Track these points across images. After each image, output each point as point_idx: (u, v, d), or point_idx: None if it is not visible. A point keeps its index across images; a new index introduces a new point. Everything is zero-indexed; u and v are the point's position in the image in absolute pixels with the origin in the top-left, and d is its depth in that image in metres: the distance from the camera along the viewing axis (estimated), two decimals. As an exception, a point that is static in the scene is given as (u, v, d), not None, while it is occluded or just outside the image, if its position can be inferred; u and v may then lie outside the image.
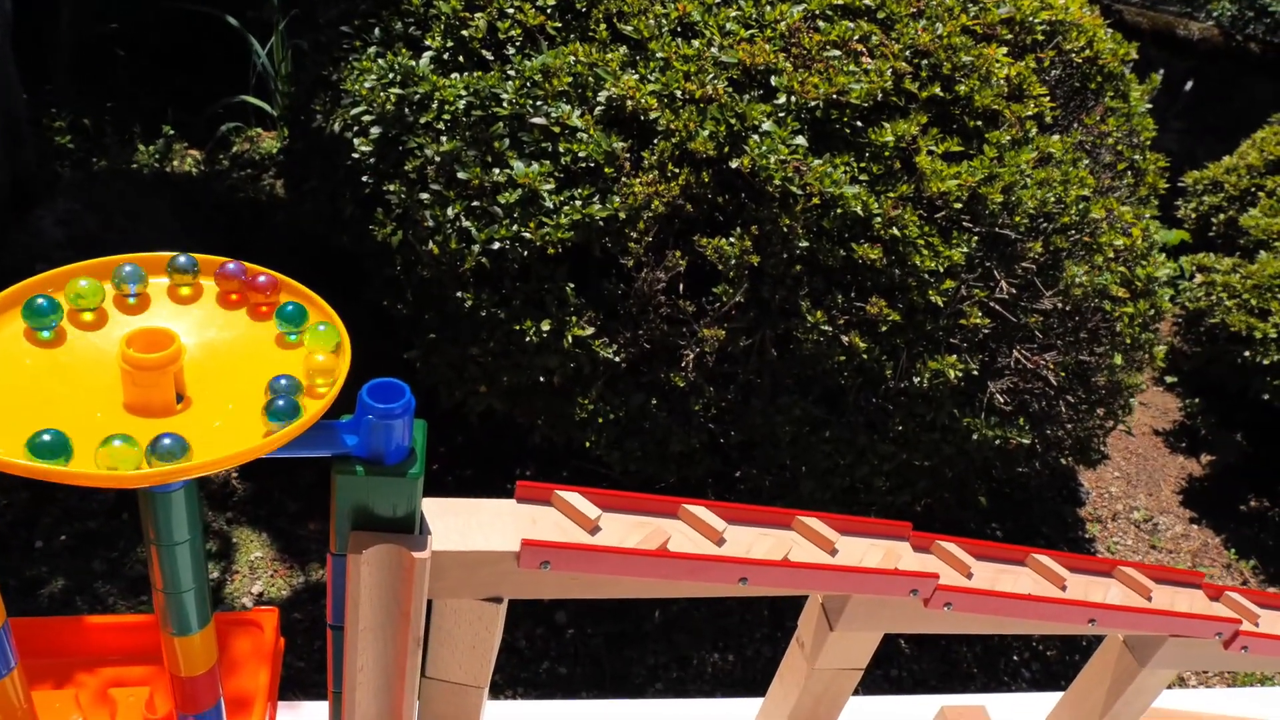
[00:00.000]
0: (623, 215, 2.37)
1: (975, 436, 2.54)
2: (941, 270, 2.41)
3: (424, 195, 2.47)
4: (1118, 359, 2.76)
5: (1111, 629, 1.59)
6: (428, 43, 2.64)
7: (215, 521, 3.09)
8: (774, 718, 1.68)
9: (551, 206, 2.38)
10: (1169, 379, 5.14)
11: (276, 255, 3.89)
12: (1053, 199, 2.56)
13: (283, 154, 4.41)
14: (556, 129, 2.42)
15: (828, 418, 2.55)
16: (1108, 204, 2.74)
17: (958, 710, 1.78)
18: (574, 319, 2.43)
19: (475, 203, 2.43)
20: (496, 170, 2.42)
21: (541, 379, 2.55)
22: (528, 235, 2.37)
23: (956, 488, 3.07)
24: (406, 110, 2.55)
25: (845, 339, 2.39)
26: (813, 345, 2.39)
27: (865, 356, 2.40)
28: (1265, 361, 3.98)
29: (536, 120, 2.43)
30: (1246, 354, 4.05)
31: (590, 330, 2.43)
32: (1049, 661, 3.51)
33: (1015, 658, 3.49)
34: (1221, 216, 4.68)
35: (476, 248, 2.40)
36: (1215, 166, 4.90)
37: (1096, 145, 2.91)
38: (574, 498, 1.25)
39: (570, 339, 2.41)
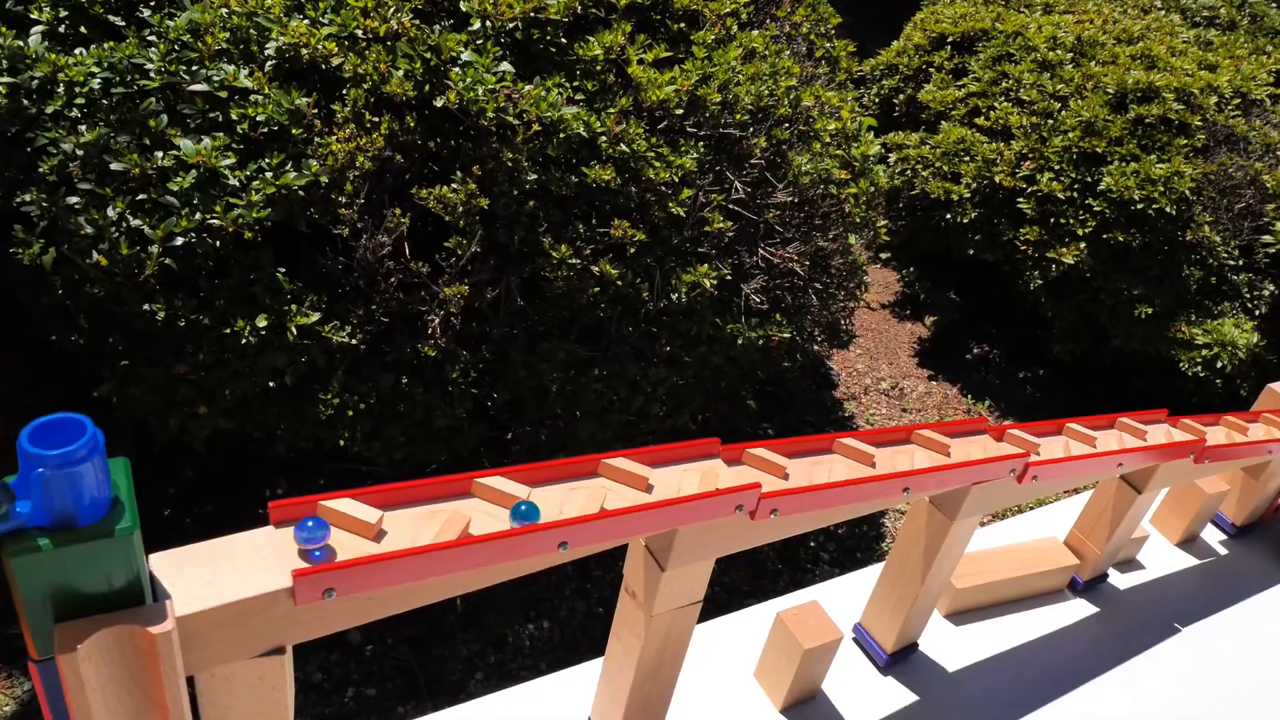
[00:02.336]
0: (324, 180, 2.08)
1: (740, 341, 2.51)
2: (676, 180, 2.32)
3: (72, 199, 2.05)
4: (852, 239, 2.83)
5: (923, 492, 1.59)
6: (34, 16, 2.18)
7: (-106, 645, 2.51)
8: (619, 678, 1.56)
9: (237, 184, 2.05)
10: (883, 255, 5.49)
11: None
12: (766, 93, 2.54)
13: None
14: (223, 94, 2.08)
15: (593, 355, 2.42)
16: (815, 91, 2.77)
17: (792, 612, 1.74)
18: (294, 307, 2.12)
19: (141, 195, 2.04)
20: (160, 154, 2.05)
21: (271, 383, 2.23)
22: (216, 222, 2.03)
23: (728, 398, 3.07)
24: (25, 101, 2.10)
25: (595, 269, 2.26)
26: (563, 282, 2.24)
27: (619, 283, 2.28)
28: (964, 220, 4.30)
29: (196, 88, 2.07)
30: (948, 217, 4.37)
31: (316, 316, 2.14)
32: (842, 539, 3.66)
33: (812, 544, 3.60)
34: (901, 97, 5.00)
35: (155, 248, 2.03)
36: (887, 52, 5.21)
37: (792, 36, 2.93)
38: (345, 504, 1.03)
39: (294, 331, 2.11)
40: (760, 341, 2.57)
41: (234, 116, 2.08)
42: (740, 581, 3.35)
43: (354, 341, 2.19)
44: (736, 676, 1.82)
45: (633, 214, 2.30)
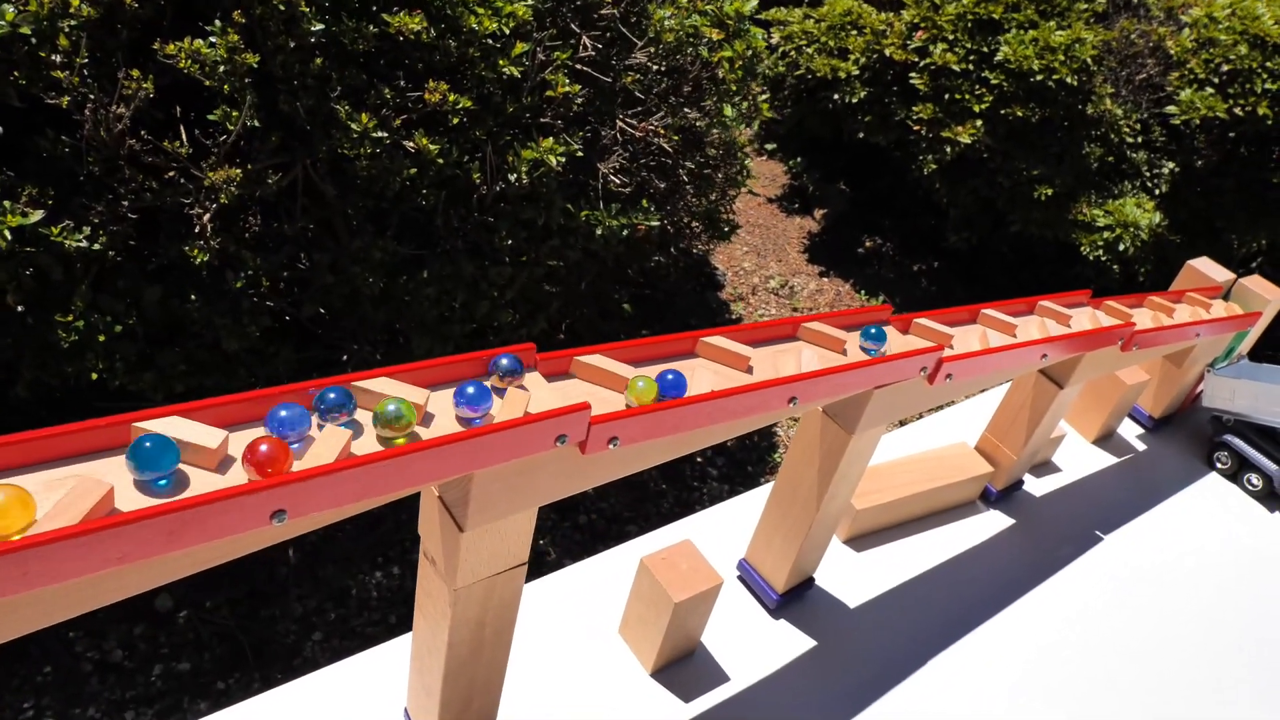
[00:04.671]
0: (28, 32, 1.57)
1: (599, 231, 2.11)
2: (507, 32, 1.88)
3: None
4: (728, 110, 2.44)
5: (814, 401, 1.25)
6: None
7: None
8: (429, 662, 1.19)
9: (-95, 37, 1.52)
10: (769, 146, 5.13)
11: None
12: (615, -74, 2.10)
13: None
14: (-128, -87, 1.53)
15: (419, 253, 2.00)
16: (676, -70, 2.33)
17: (659, 557, 1.40)
18: (6, 204, 1.63)
19: None
20: None
21: None
22: (-123, 89, 1.50)
23: (594, 300, 2.68)
24: None
25: (410, 144, 1.82)
26: (368, 161, 1.79)
27: (441, 161, 1.85)
28: (853, 100, 3.96)
29: None
30: (836, 98, 4.02)
31: (38, 215, 1.65)
32: (732, 452, 3.37)
33: (699, 459, 3.30)
34: (781, -33, 4.57)
35: None
36: (763, -83, 4.76)
37: None
38: None
39: (8, 235, 1.62)
40: (624, 232, 2.18)
41: (-107, -55, 1.53)
42: (620, 507, 3.03)
43: (97, 246, 1.71)
44: (599, 634, 1.48)
45: (454, 75, 1.86)
